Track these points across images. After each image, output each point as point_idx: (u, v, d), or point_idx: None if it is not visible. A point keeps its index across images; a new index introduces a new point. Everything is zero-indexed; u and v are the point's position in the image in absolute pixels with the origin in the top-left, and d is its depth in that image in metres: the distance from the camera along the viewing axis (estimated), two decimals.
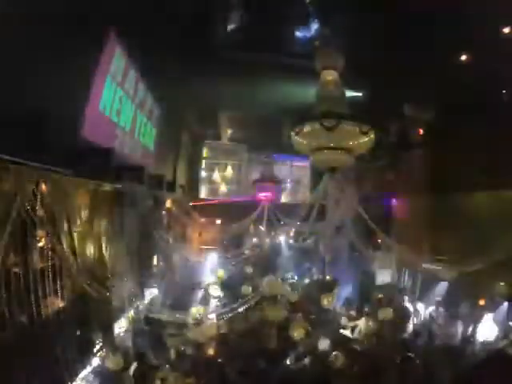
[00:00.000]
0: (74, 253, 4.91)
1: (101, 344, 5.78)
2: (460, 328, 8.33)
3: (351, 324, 8.78)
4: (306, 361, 6.76)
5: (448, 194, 10.20)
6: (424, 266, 8.86)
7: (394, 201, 13.34)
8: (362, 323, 8.57)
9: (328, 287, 10.11)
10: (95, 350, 5.64)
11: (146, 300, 8.80)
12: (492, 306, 8.35)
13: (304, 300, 9.89)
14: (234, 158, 17.42)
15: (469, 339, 8.00)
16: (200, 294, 10.56)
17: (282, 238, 13.65)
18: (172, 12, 9.40)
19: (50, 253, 4.76)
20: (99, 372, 5.42)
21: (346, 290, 11.58)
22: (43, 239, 4.73)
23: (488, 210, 9.08)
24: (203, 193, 16.91)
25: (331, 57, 7.51)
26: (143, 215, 8.23)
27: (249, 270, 12.66)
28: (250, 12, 13.61)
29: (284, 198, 17.23)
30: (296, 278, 12.73)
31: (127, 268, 7.32)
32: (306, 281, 12.37)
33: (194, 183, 16.54)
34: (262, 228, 13.56)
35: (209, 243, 15.05)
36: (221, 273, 11.96)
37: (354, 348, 7.31)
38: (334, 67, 7.37)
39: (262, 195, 14.01)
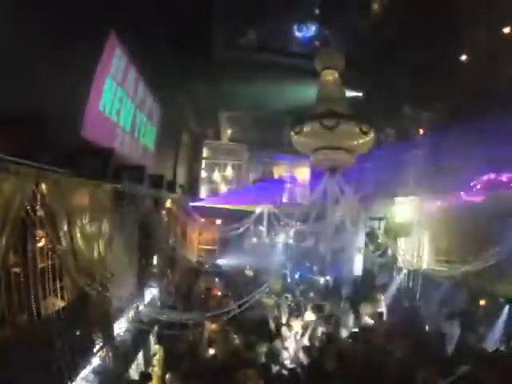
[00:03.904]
0: (73, 253, 4.91)
1: (101, 344, 5.77)
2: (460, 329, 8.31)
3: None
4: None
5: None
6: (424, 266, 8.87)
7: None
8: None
9: None
10: (95, 350, 5.63)
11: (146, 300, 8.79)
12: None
13: None
14: (234, 157, 17.42)
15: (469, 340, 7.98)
16: None
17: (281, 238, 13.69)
18: (172, 11, 9.39)
19: (49, 253, 4.76)
20: (99, 372, 5.42)
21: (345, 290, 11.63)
22: (43, 239, 4.72)
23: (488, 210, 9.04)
24: (203, 193, 16.91)
25: (331, 57, 7.51)
26: (143, 215, 8.22)
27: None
28: (251, 12, 13.60)
29: (284, 198, 17.23)
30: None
31: (127, 268, 7.31)
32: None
33: (194, 183, 16.55)
34: (262, 228, 13.59)
35: (209, 243, 15.08)
36: None
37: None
38: (334, 67, 7.37)
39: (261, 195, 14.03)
